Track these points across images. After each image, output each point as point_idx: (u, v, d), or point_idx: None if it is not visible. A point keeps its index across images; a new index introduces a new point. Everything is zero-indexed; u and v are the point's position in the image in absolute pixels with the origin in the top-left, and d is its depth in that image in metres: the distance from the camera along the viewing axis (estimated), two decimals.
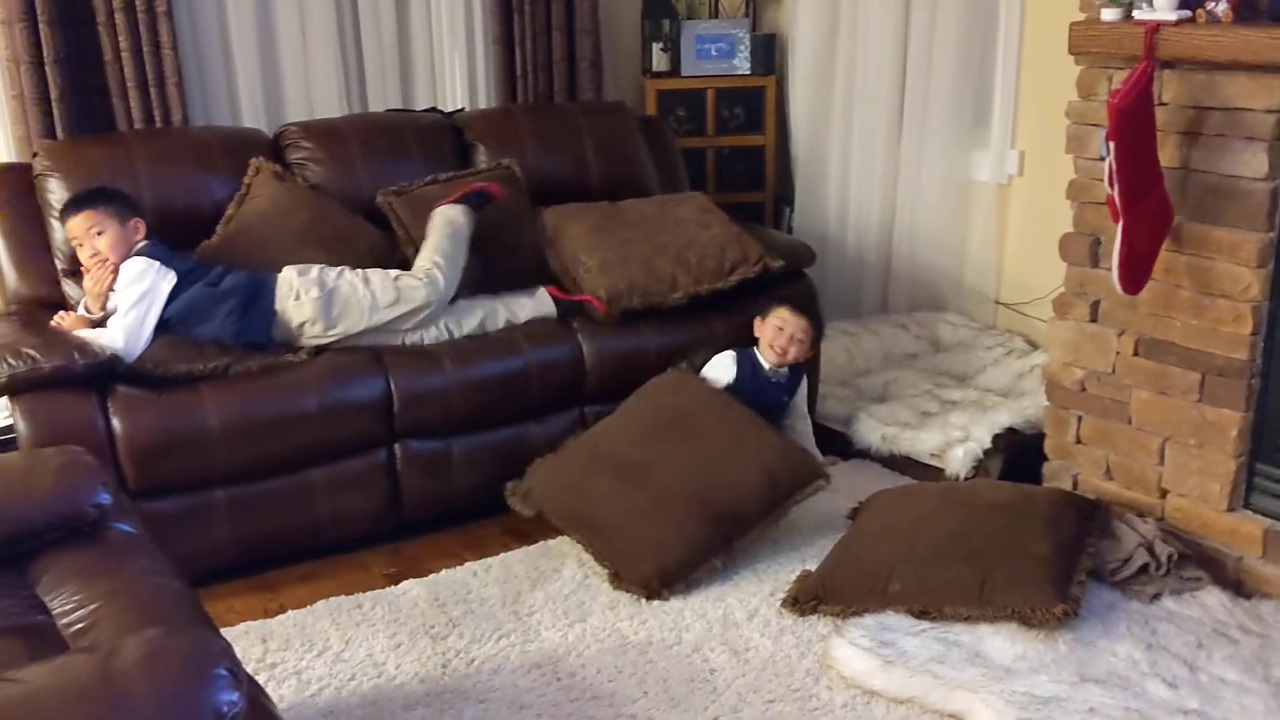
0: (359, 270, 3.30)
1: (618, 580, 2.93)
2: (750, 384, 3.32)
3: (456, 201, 3.49)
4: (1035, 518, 2.83)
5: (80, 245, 3.13)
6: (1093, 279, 3.09)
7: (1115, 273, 2.83)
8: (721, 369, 3.33)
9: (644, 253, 3.52)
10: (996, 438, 3.38)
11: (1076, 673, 2.47)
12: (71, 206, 3.17)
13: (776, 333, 3.33)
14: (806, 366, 3.48)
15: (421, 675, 2.64)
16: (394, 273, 3.32)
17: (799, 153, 4.62)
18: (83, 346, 2.91)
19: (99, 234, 3.11)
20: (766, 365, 3.34)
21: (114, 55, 3.66)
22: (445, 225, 3.43)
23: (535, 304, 3.46)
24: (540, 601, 2.90)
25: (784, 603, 2.85)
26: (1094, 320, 3.11)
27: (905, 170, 4.32)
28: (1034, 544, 2.73)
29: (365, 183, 3.63)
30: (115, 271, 3.08)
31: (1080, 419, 3.18)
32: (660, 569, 2.89)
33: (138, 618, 1.95)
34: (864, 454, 3.66)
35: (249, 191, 3.49)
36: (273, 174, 3.51)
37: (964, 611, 2.65)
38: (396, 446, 3.21)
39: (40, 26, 3.52)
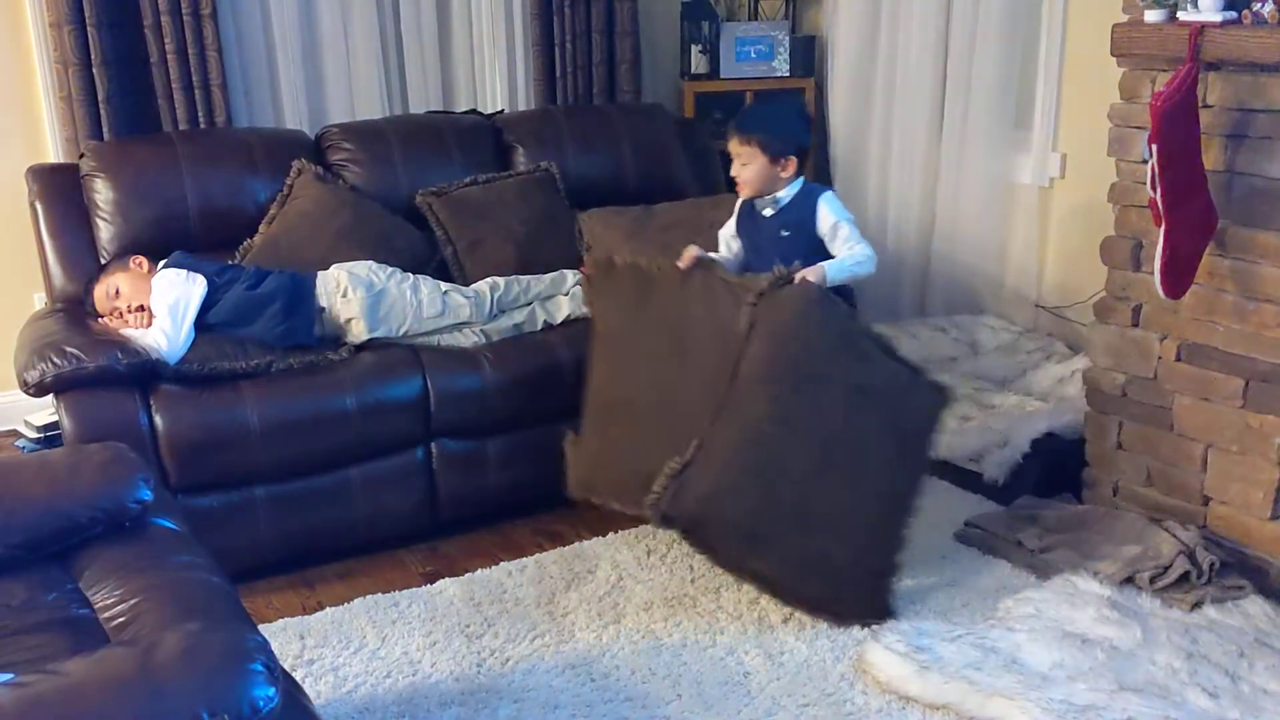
0: (410, 276, 3.32)
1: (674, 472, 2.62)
2: (749, 228, 3.08)
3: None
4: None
5: (112, 311, 3.18)
6: (1135, 283, 3.06)
7: (1158, 277, 2.80)
8: (725, 227, 3.18)
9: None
10: (1036, 443, 3.35)
11: (1115, 681, 2.45)
12: (85, 294, 3.25)
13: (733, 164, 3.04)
14: (820, 187, 3.11)
15: (457, 674, 2.65)
16: (445, 286, 3.34)
17: (838, 155, 4.61)
18: (125, 345, 2.95)
19: (118, 293, 3.18)
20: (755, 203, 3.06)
21: (160, 57, 3.72)
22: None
23: (570, 302, 3.45)
24: (574, 602, 2.91)
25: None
26: (1136, 325, 3.07)
27: (945, 173, 4.29)
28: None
29: (405, 183, 3.66)
30: (145, 308, 3.14)
31: (1121, 425, 3.15)
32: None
33: (177, 613, 1.97)
34: None
35: (291, 192, 3.53)
36: (314, 175, 3.55)
37: None
38: (433, 445, 3.23)
39: (88, 29, 3.58)
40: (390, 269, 3.31)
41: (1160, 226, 2.77)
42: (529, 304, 3.42)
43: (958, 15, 4.13)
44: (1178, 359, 3.00)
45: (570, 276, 3.50)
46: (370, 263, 3.31)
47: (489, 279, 3.43)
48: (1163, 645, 2.58)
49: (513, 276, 3.47)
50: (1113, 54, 2.95)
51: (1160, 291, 2.81)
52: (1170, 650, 2.56)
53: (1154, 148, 2.70)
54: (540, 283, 3.47)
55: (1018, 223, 4.15)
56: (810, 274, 2.80)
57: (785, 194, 3.01)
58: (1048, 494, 3.28)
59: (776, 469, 2.68)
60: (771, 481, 2.67)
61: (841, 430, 2.73)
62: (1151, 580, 2.79)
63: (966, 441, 3.48)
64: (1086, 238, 3.54)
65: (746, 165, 2.99)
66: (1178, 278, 2.81)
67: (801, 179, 3.03)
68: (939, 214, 4.35)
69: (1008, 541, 3.06)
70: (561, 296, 3.47)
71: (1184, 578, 2.79)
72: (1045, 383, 3.83)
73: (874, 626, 2.73)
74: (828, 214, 2.98)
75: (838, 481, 2.72)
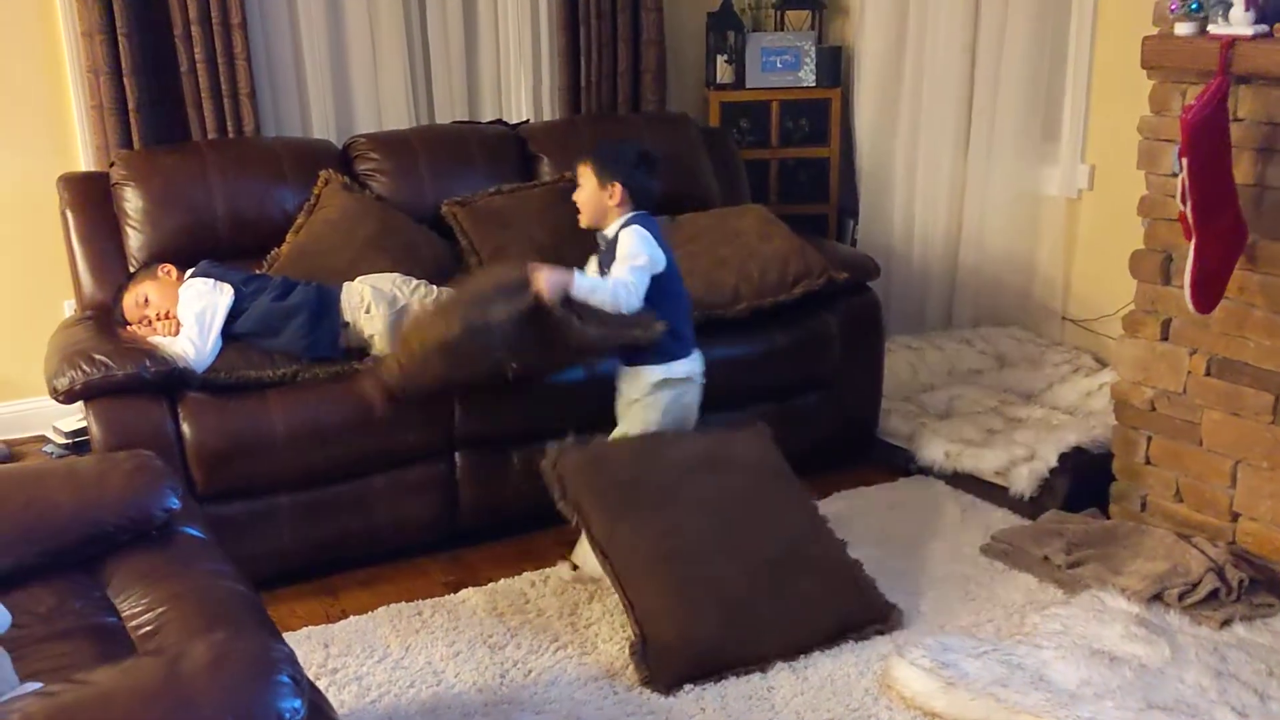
0: (435, 289, 3.28)
1: (638, 650, 2.63)
2: (602, 259, 3.01)
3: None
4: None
5: (141, 320, 3.20)
6: (1164, 297, 3.04)
7: (1187, 291, 2.78)
8: None
9: (704, 265, 3.51)
10: (1063, 457, 3.32)
11: (1143, 699, 2.42)
12: (114, 303, 3.27)
13: None
14: (642, 217, 3.00)
15: (479, 684, 2.65)
16: None
17: (864, 165, 4.59)
18: (154, 354, 2.96)
19: (146, 301, 3.20)
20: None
21: (189, 66, 3.74)
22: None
23: None
24: (598, 614, 2.90)
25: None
26: (1165, 339, 3.05)
27: (972, 183, 4.27)
28: None
29: (430, 193, 3.68)
30: (173, 316, 3.15)
31: (1150, 439, 3.12)
32: (692, 663, 2.61)
33: (203, 622, 1.98)
34: (927, 471, 3.61)
35: (318, 201, 3.55)
36: (341, 185, 3.57)
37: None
38: (456, 455, 3.23)
39: (119, 38, 3.61)
40: (415, 282, 3.30)
41: (1190, 240, 2.75)
42: None
43: (985, 26, 4.12)
44: (1207, 374, 2.97)
45: None
46: (396, 275, 3.31)
47: None
48: (1191, 663, 2.55)
49: None
50: (1143, 66, 2.93)
51: (1190, 306, 2.79)
52: (1199, 669, 2.53)
53: (1184, 161, 2.68)
54: None
55: (1045, 235, 4.13)
56: (547, 277, 2.71)
57: (611, 229, 2.98)
58: (1074, 509, 3.25)
59: (700, 571, 2.70)
60: (706, 584, 2.69)
61: (726, 505, 2.82)
62: (1180, 597, 2.76)
63: (992, 455, 3.46)
64: (1115, 250, 3.51)
65: (580, 188, 3.03)
66: (1208, 292, 2.79)
67: (633, 214, 2.96)
68: (965, 225, 4.33)
69: (1034, 556, 3.04)
70: None
71: (1213, 595, 2.76)
72: (1072, 396, 3.80)
73: (896, 640, 2.72)
74: (624, 241, 2.91)
75: (756, 538, 2.79)
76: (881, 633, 2.77)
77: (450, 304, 2.84)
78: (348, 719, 2.53)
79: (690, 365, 3.00)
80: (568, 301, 2.75)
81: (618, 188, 2.95)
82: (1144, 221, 3.06)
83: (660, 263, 2.91)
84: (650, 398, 2.96)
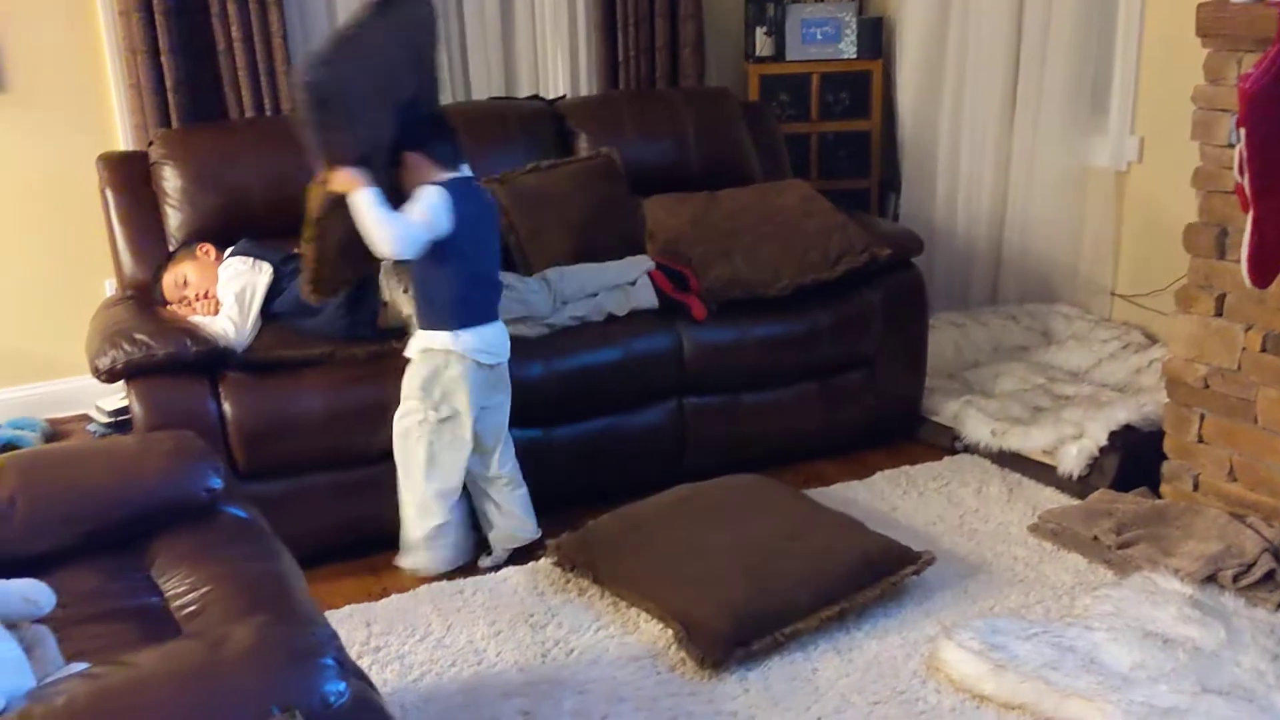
0: None
1: (688, 641, 2.59)
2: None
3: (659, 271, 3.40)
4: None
5: (181, 300, 3.21)
6: (1219, 271, 2.96)
7: (1244, 265, 2.69)
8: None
9: (747, 243, 3.47)
10: (1113, 435, 3.25)
11: (1198, 683, 2.37)
12: (152, 282, 3.28)
13: None
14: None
15: (521, 663, 2.64)
16: (508, 280, 3.20)
17: (906, 139, 4.52)
18: (194, 333, 2.96)
19: (185, 281, 3.20)
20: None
21: (226, 45, 3.73)
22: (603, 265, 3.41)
23: (637, 294, 3.39)
24: None
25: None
26: (1219, 314, 2.97)
27: (1018, 156, 4.19)
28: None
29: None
30: (213, 295, 3.16)
31: (1203, 417, 3.05)
32: (735, 627, 2.58)
33: (246, 603, 1.97)
34: (972, 449, 3.56)
35: None
36: None
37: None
38: None
39: (156, 17, 3.60)
40: None
41: (1248, 213, 2.66)
42: (594, 294, 3.37)
43: None
44: (1263, 350, 2.89)
45: (638, 265, 3.43)
46: None
47: (554, 268, 3.38)
48: (1247, 646, 2.49)
49: (579, 265, 3.40)
50: (1198, 34, 2.84)
51: (1247, 281, 2.71)
52: (1256, 652, 2.47)
53: (1241, 131, 2.60)
54: (606, 271, 3.40)
55: (1093, 208, 4.04)
56: (340, 180, 2.72)
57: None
58: (1123, 488, 3.19)
59: (715, 558, 2.77)
60: (725, 563, 2.75)
61: (722, 513, 2.96)
62: (1235, 579, 2.70)
63: (1040, 433, 3.40)
64: (1165, 225, 3.44)
65: None
66: (1265, 266, 2.70)
67: (447, 179, 2.86)
68: (1011, 199, 4.25)
69: (1083, 536, 2.98)
70: (628, 286, 3.39)
71: (1268, 576, 2.70)
72: (1121, 373, 3.73)
73: (944, 621, 2.68)
74: (415, 195, 2.82)
75: (759, 524, 2.91)
76: (916, 574, 2.80)
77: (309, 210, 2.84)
78: (390, 698, 2.51)
79: (451, 340, 2.87)
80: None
81: (418, 156, 2.86)
82: (1198, 194, 2.98)
83: (445, 227, 2.80)
84: (413, 364, 2.93)
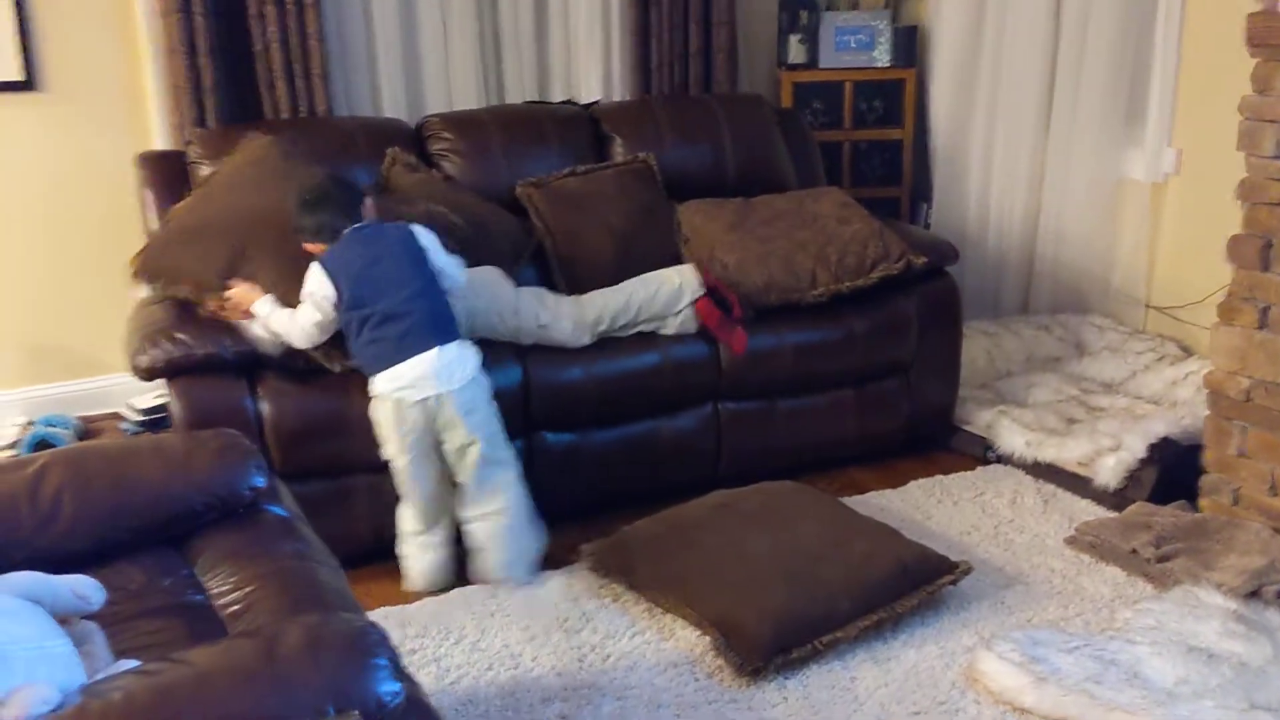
0: (515, 293, 3.21)
1: (726, 648, 2.58)
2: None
3: (707, 291, 3.31)
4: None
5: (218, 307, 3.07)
6: (1263, 283, 2.93)
7: None
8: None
9: (784, 249, 3.46)
10: (1151, 448, 3.23)
11: (1245, 699, 2.34)
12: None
13: None
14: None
15: (558, 668, 2.63)
16: (545, 320, 3.18)
17: (939, 147, 4.51)
18: (233, 333, 2.96)
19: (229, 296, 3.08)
20: None
21: (263, 46, 3.74)
22: (652, 284, 3.31)
23: (679, 322, 3.31)
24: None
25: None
26: (1263, 327, 2.95)
27: (1052, 167, 4.18)
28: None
29: (504, 174, 3.64)
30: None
31: (1245, 431, 3.02)
32: (777, 633, 2.57)
33: (291, 602, 1.97)
34: (1005, 460, 3.54)
35: (387, 183, 3.52)
36: (405, 165, 3.52)
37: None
38: (533, 438, 3.20)
39: (195, 18, 3.61)
40: (495, 287, 3.20)
41: None
42: (635, 327, 3.31)
43: (1069, 3, 4.01)
44: None
45: (685, 292, 3.30)
46: (485, 276, 3.19)
47: (599, 302, 3.27)
48: None
49: (624, 299, 3.29)
50: (1248, 44, 2.82)
51: None
52: None
53: None
54: (653, 305, 3.29)
55: (1128, 220, 4.02)
56: (243, 296, 2.92)
57: None
58: (1160, 501, 3.17)
59: (753, 564, 2.76)
60: (764, 569, 2.74)
61: (759, 518, 2.95)
62: (1279, 594, 2.67)
63: (1076, 445, 3.38)
64: (1202, 237, 3.42)
65: None
66: None
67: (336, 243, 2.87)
68: (1045, 209, 4.23)
69: (1121, 549, 2.96)
70: (671, 318, 3.31)
71: None
72: (1157, 385, 3.71)
73: (982, 632, 2.66)
74: None
75: (797, 529, 2.89)
76: (953, 583, 2.79)
77: None
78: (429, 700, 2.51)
79: (372, 385, 2.83)
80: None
81: (302, 244, 2.89)
82: (1243, 205, 2.96)
83: (328, 294, 2.80)
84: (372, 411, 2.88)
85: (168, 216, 3.28)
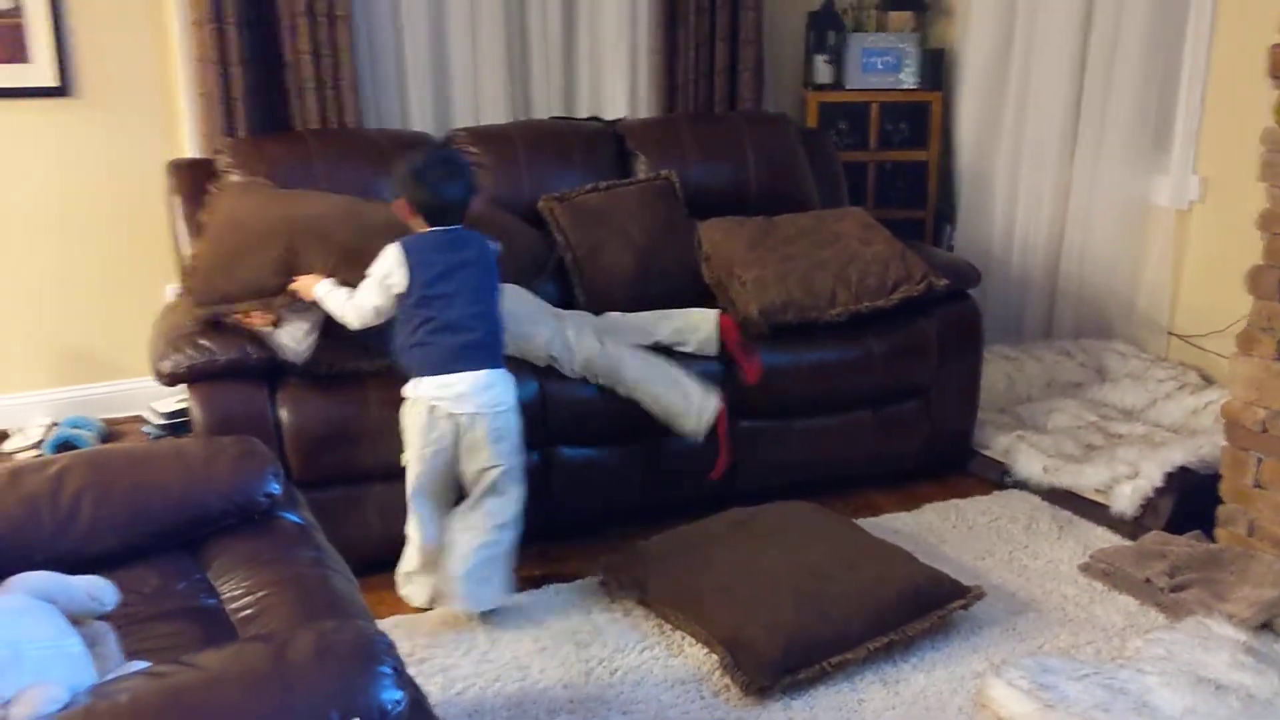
0: (538, 322, 3.21)
1: (734, 667, 2.58)
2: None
3: (728, 340, 3.33)
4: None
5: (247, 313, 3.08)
6: None
7: None
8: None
9: (803, 268, 3.47)
10: (1169, 476, 3.22)
11: None
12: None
13: None
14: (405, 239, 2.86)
15: (565, 681, 2.64)
16: (555, 353, 3.19)
17: (963, 170, 4.51)
18: (255, 340, 3.00)
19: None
20: None
21: (294, 57, 3.79)
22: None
23: (700, 341, 3.34)
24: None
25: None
26: None
27: (1077, 192, 4.17)
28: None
29: (529, 188, 3.67)
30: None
31: (1260, 461, 3.01)
32: (786, 653, 2.57)
33: (302, 608, 1.99)
34: (1022, 485, 3.53)
35: None
36: None
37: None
38: (550, 453, 3.22)
39: (227, 28, 3.66)
40: (523, 310, 3.21)
41: None
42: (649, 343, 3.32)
43: (1097, 30, 4.02)
44: None
45: (701, 326, 3.34)
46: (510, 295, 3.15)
47: (609, 342, 3.24)
48: None
49: (642, 336, 3.30)
50: (1271, 75, 2.82)
51: None
52: None
53: None
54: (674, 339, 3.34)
55: (1152, 246, 4.01)
56: (304, 284, 2.96)
57: None
58: (1177, 530, 3.15)
59: (764, 582, 2.78)
60: (774, 587, 2.75)
61: (772, 537, 2.97)
62: None
63: (1093, 471, 3.37)
64: (1226, 265, 3.39)
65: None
66: None
67: (420, 232, 2.81)
68: (1069, 234, 4.23)
69: (1135, 578, 2.94)
70: (691, 335, 3.33)
71: None
72: (1177, 414, 3.69)
73: (992, 658, 2.65)
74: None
75: (809, 548, 2.91)
76: (965, 608, 2.79)
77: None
78: (434, 710, 2.52)
79: (412, 387, 2.79)
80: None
81: (402, 202, 2.84)
82: (1264, 236, 2.95)
83: (397, 283, 2.75)
84: (403, 412, 2.83)
85: (200, 225, 3.29)
